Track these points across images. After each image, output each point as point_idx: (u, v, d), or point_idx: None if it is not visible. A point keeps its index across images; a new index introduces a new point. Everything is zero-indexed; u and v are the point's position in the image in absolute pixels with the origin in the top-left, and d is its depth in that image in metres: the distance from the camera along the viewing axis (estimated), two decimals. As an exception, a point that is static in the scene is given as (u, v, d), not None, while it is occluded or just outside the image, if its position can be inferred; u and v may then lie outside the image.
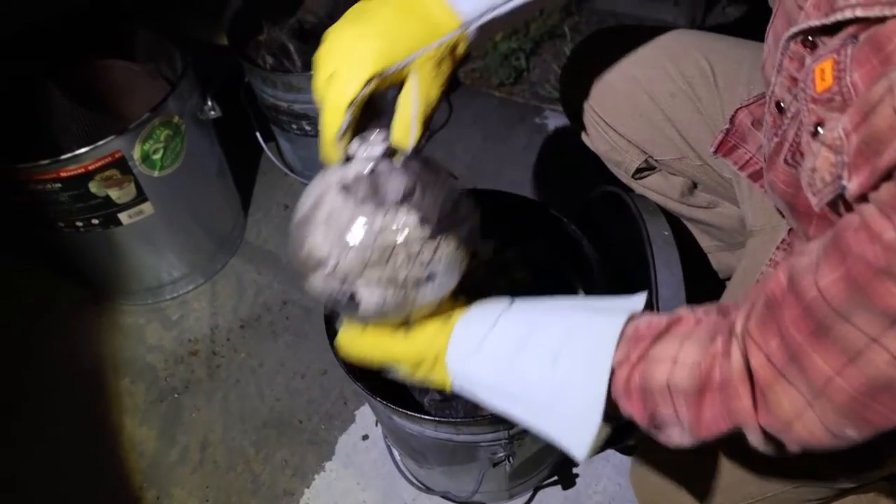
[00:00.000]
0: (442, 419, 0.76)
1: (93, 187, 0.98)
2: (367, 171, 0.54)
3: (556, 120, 1.47)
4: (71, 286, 1.28)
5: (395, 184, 0.53)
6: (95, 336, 1.22)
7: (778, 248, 0.69)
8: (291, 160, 1.43)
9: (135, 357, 1.19)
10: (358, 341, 0.60)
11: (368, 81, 0.50)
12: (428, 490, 0.96)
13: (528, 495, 0.99)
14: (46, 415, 1.13)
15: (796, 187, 0.55)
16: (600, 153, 0.90)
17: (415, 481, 0.97)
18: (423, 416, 0.74)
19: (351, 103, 0.50)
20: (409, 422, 0.77)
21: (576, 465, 1.00)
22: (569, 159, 1.25)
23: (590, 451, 0.50)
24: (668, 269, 0.76)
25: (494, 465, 0.81)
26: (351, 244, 0.52)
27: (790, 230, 0.68)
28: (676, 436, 0.49)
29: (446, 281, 0.56)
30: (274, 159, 1.40)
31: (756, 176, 0.72)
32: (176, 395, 1.13)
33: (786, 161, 0.55)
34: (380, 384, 0.75)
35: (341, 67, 0.50)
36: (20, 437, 1.11)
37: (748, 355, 0.43)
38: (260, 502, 1.01)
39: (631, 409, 0.50)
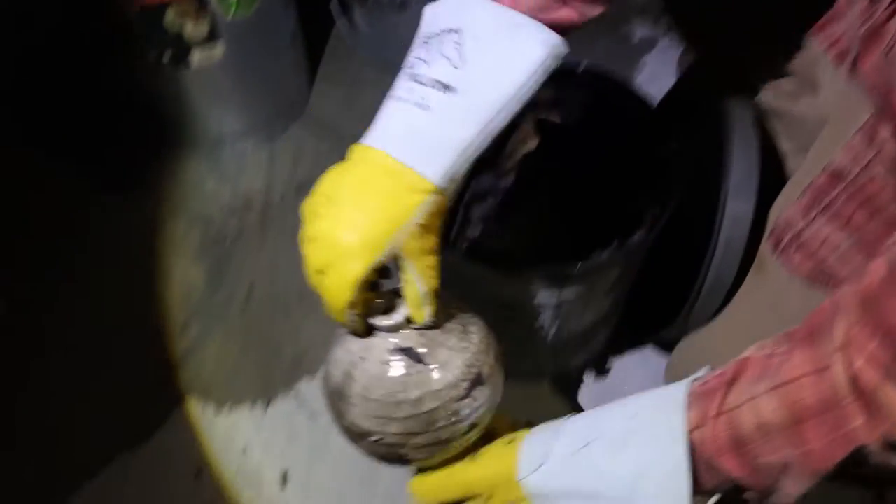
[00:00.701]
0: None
1: (168, 17, 0.97)
2: (392, 346, 0.54)
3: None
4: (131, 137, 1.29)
5: (423, 352, 0.54)
6: (154, 181, 1.24)
7: (857, 132, 0.62)
8: (362, 37, 1.40)
9: (191, 204, 1.20)
10: (429, 482, 0.58)
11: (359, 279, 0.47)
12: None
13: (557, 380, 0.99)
14: (106, 252, 1.15)
15: (890, 85, 0.50)
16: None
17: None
18: (468, 263, 0.73)
19: (349, 302, 0.48)
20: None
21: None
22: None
23: None
24: (743, 144, 0.72)
25: (538, 329, 0.80)
26: (391, 419, 0.53)
27: (872, 115, 0.62)
28: (792, 487, 0.44)
29: (489, 417, 0.57)
30: (344, 34, 1.37)
31: (840, 58, 0.66)
32: (227, 244, 1.15)
33: (885, 54, 0.50)
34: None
35: (331, 265, 0.48)
36: (80, 268, 1.14)
37: (849, 364, 0.38)
38: (298, 350, 1.02)
39: (730, 468, 0.44)
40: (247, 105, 1.21)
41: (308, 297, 1.05)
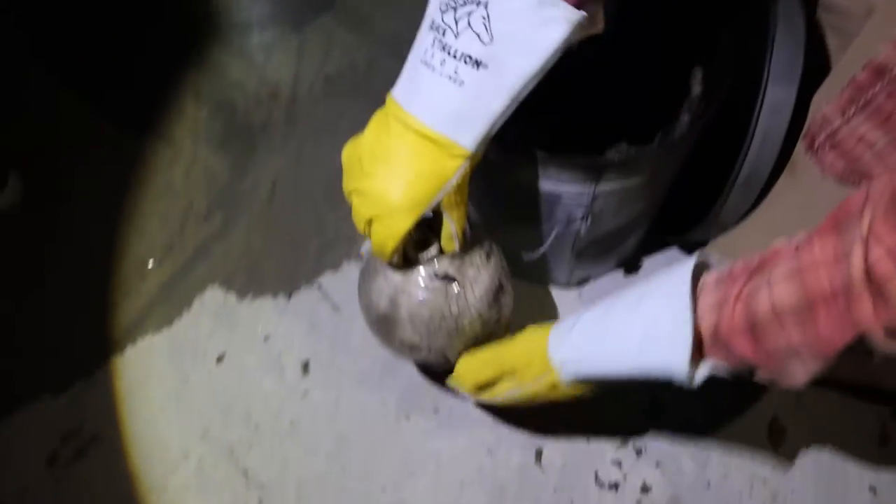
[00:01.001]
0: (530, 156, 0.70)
1: None
2: (429, 273, 0.66)
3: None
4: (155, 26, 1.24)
5: (455, 275, 0.66)
6: (180, 65, 1.20)
7: None
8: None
9: (216, 91, 1.17)
10: (472, 364, 0.69)
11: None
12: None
13: (583, 286, 0.96)
14: (125, 134, 1.13)
15: None
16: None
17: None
18: (508, 146, 0.69)
19: (395, 249, 0.59)
20: (496, 155, 0.73)
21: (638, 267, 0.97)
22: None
23: (695, 375, 0.53)
24: (789, 32, 0.66)
25: (569, 224, 0.77)
26: (436, 333, 0.67)
27: None
28: (798, 370, 0.46)
29: (510, 316, 0.73)
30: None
31: None
32: (253, 133, 1.12)
33: None
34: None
35: (380, 218, 0.57)
36: (105, 143, 1.12)
37: (867, 254, 0.39)
38: (322, 242, 1.01)
39: (743, 350, 0.48)
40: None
41: (333, 192, 1.03)
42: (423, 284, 0.66)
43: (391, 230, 0.57)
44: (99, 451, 0.87)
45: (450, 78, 0.52)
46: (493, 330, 0.71)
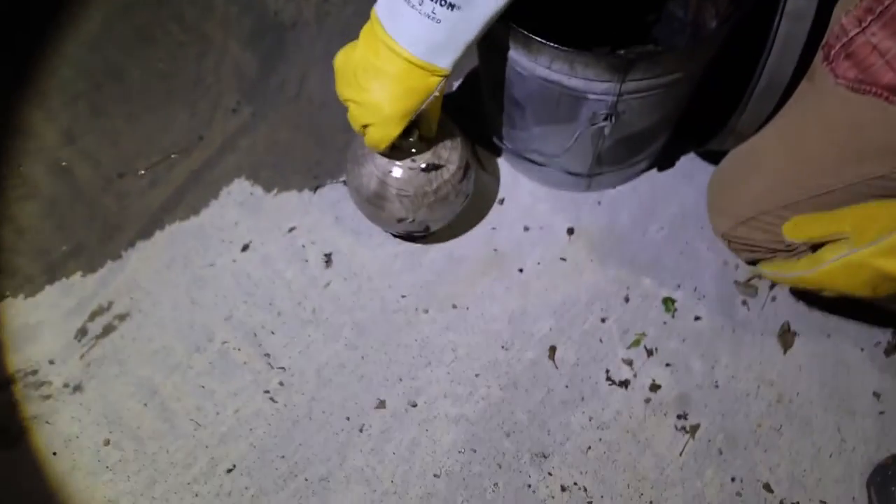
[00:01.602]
0: (562, 48, 0.69)
1: None
2: (412, 159, 0.79)
3: None
4: None
5: (433, 156, 0.80)
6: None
7: None
8: None
9: (246, -12, 1.15)
10: (802, 220, 0.66)
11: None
12: (514, 155, 0.94)
13: (602, 192, 0.96)
14: (159, 24, 1.12)
15: None
16: None
17: (507, 145, 0.95)
18: (547, 42, 0.68)
19: (387, 147, 0.73)
20: (527, 53, 0.72)
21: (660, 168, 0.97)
22: None
23: None
24: None
25: (593, 125, 0.77)
26: (420, 206, 0.81)
27: None
28: None
29: (474, 180, 0.87)
30: None
31: None
32: (283, 30, 1.10)
33: None
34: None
35: (375, 125, 0.70)
36: (132, 37, 1.11)
37: None
38: (347, 140, 1.00)
39: None
40: None
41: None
42: (407, 166, 0.79)
43: (385, 134, 0.70)
44: (126, 328, 0.89)
45: (428, 17, 0.62)
46: (462, 199, 0.86)
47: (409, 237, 0.91)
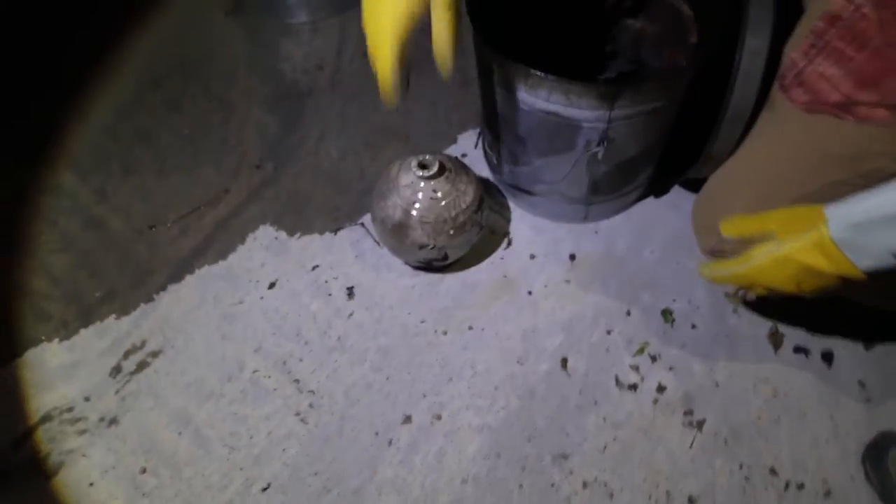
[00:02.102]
0: (558, 78, 0.81)
1: None
2: (432, 187, 0.88)
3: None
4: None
5: (451, 188, 0.89)
6: (231, 40, 1.31)
7: None
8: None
9: (266, 62, 1.27)
10: (736, 220, 0.70)
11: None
12: (518, 190, 1.03)
13: (598, 223, 1.06)
14: (186, 94, 1.23)
15: None
16: None
17: (510, 183, 1.05)
18: (545, 75, 0.80)
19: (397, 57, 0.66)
20: (529, 89, 0.83)
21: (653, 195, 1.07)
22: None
23: None
24: None
25: (588, 151, 0.87)
26: (441, 232, 0.89)
27: None
28: None
29: (487, 216, 0.97)
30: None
31: None
32: (300, 96, 1.22)
33: None
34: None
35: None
36: (160, 106, 1.22)
37: None
38: (363, 188, 1.09)
39: None
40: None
41: (372, 145, 1.13)
42: (429, 196, 0.88)
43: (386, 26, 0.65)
44: (160, 364, 0.94)
45: None
46: (478, 230, 0.94)
47: (427, 267, 0.98)
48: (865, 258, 0.57)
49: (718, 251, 0.83)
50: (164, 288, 1.00)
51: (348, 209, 1.07)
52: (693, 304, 0.97)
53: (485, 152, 1.06)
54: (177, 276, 1.01)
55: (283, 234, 1.05)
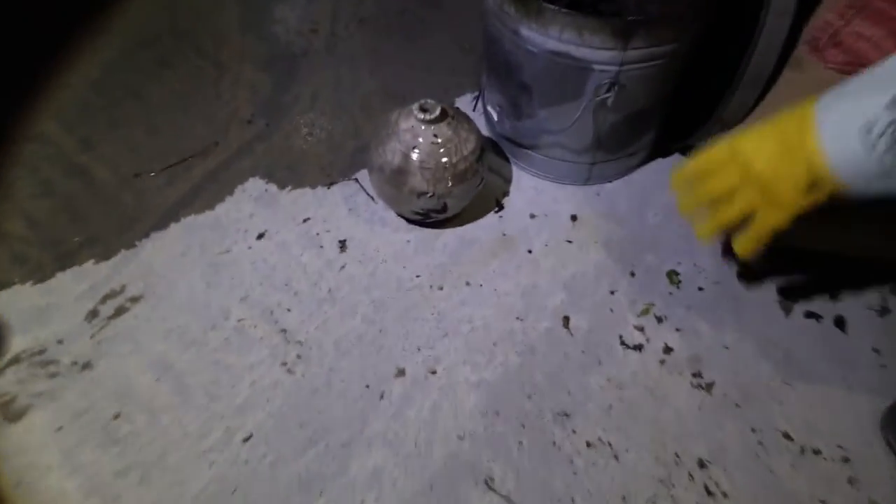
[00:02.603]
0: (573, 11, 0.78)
1: None
2: (432, 132, 0.85)
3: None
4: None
5: (452, 133, 0.85)
6: (224, 3, 1.28)
7: None
8: None
9: (260, 24, 1.24)
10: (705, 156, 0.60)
11: None
12: (519, 146, 1.00)
13: (600, 186, 1.03)
14: (177, 53, 1.19)
15: None
16: None
17: (511, 136, 1.02)
18: (558, 9, 0.77)
19: None
20: (540, 27, 0.80)
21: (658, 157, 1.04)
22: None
23: None
24: None
25: (597, 98, 0.84)
26: (441, 178, 0.85)
27: None
28: None
29: (487, 166, 0.92)
30: None
31: None
32: (294, 57, 1.19)
33: None
34: None
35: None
36: (151, 63, 1.18)
37: None
38: (359, 145, 1.06)
39: None
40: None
41: (368, 106, 1.10)
42: (429, 141, 0.84)
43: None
44: (138, 309, 0.89)
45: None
46: (478, 181, 0.91)
47: (424, 220, 0.94)
48: (835, 140, 0.50)
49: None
50: (147, 235, 0.95)
51: (342, 166, 1.04)
52: (699, 267, 0.93)
53: (484, 110, 1.03)
54: (161, 225, 0.96)
55: (273, 188, 1.01)
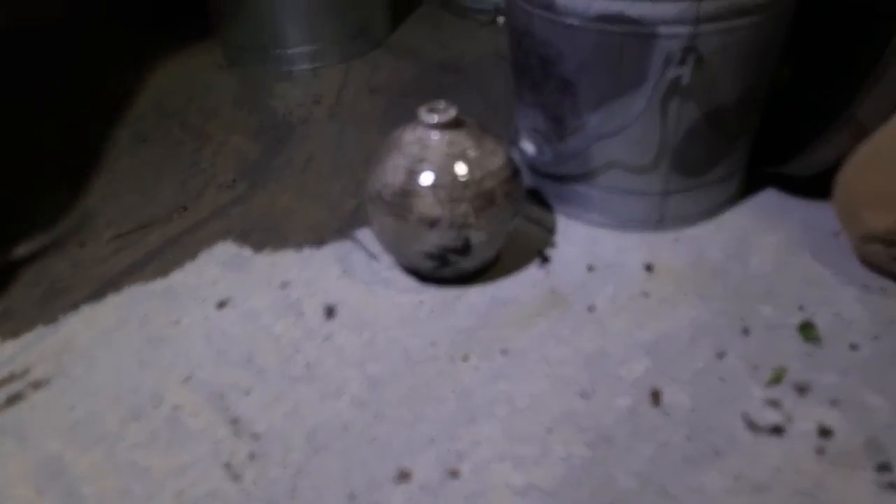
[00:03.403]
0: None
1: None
2: (447, 142, 0.64)
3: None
4: (208, 51, 1.25)
5: (475, 143, 0.65)
6: (221, 84, 1.17)
7: None
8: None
9: (256, 99, 1.11)
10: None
11: None
12: (564, 182, 0.78)
13: (679, 231, 0.78)
14: (158, 128, 1.05)
15: None
16: None
17: (554, 170, 0.80)
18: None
19: None
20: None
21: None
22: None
23: None
24: None
25: (667, 77, 0.63)
26: (460, 200, 0.63)
27: None
28: None
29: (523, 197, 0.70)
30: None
31: None
32: (291, 125, 1.03)
33: None
34: None
35: None
36: (127, 139, 1.03)
37: None
38: (362, 204, 0.86)
39: None
40: (325, 19, 1.16)
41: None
42: (443, 152, 0.64)
43: None
44: (39, 397, 0.64)
45: None
46: (512, 211, 0.68)
47: (442, 271, 0.70)
48: None
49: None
50: (75, 308, 0.73)
51: (338, 224, 0.83)
52: (843, 318, 0.65)
53: (518, 147, 0.82)
54: (96, 295, 0.75)
55: (247, 251, 0.80)
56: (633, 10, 0.61)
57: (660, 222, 0.77)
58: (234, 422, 0.60)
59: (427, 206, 0.64)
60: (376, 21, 1.23)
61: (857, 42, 0.68)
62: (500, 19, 1.28)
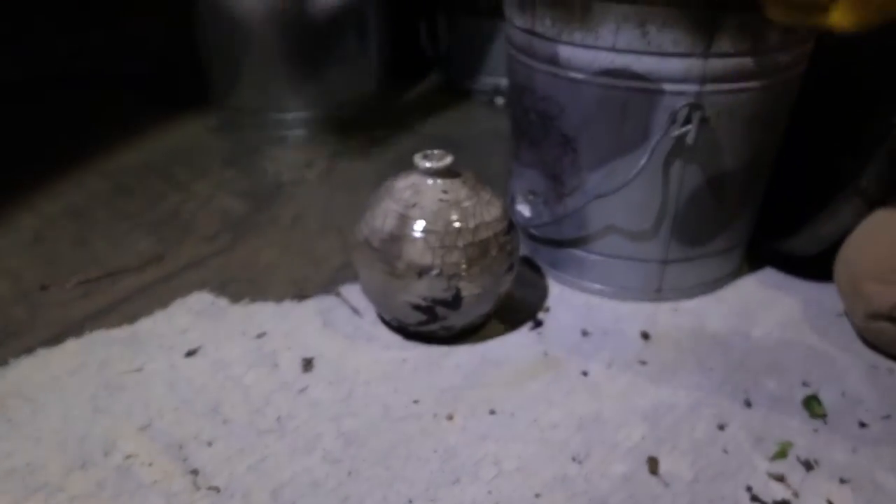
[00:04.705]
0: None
1: None
2: (441, 188, 0.65)
3: None
4: (203, 114, 1.28)
5: (470, 191, 0.66)
6: (210, 145, 1.18)
7: None
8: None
9: (247, 160, 1.13)
10: None
11: None
12: (561, 247, 0.78)
13: (677, 303, 0.78)
14: (141, 183, 1.05)
15: None
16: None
17: (551, 234, 0.80)
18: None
19: None
20: (587, 32, 0.65)
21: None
22: None
23: None
24: None
25: (670, 134, 0.65)
26: (452, 248, 0.63)
27: None
28: None
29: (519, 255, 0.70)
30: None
31: None
32: (280, 185, 1.04)
33: None
34: None
35: None
36: (106, 191, 1.03)
37: None
38: (347, 262, 0.85)
39: None
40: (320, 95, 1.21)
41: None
42: (436, 197, 0.64)
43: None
44: (-25, 443, 0.61)
45: None
46: (506, 265, 0.67)
47: (429, 326, 0.69)
48: None
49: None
50: (30, 351, 0.70)
51: (321, 281, 0.81)
52: (851, 396, 0.65)
53: (513, 209, 0.83)
54: (55, 340, 0.72)
55: (223, 301, 0.78)
56: (639, 66, 0.63)
57: (658, 292, 0.76)
58: (193, 472, 0.57)
59: (417, 253, 0.64)
60: (366, 83, 1.27)
61: (863, 118, 0.70)
62: (499, 99, 1.33)
